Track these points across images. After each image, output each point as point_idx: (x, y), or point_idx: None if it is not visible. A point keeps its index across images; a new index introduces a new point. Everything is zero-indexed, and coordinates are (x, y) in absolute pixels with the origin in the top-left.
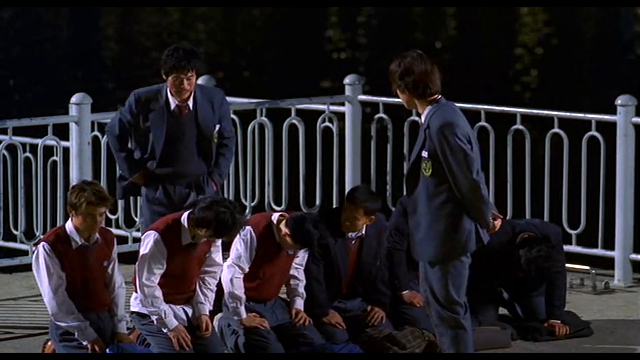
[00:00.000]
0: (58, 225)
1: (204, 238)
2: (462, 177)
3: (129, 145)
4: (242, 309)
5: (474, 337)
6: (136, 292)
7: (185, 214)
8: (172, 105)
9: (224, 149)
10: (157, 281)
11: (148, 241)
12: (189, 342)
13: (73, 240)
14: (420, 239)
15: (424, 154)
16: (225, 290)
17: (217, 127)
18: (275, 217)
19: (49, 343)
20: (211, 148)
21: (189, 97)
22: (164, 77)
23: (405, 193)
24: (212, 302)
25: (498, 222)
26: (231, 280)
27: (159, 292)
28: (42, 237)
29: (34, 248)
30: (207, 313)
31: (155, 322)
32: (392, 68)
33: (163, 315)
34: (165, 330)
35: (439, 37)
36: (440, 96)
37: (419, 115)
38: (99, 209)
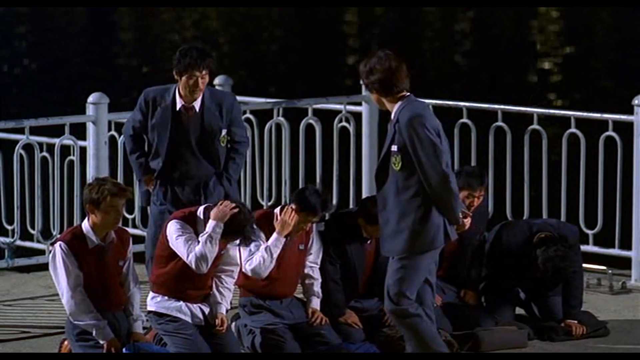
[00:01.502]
0: (75, 224)
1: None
2: (431, 169)
3: (144, 146)
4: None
5: (493, 337)
6: (153, 291)
7: (202, 208)
8: (178, 106)
9: (234, 153)
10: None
11: (171, 229)
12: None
13: (89, 240)
14: (388, 233)
15: (394, 148)
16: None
17: (224, 131)
18: (277, 210)
19: (66, 342)
20: (217, 151)
21: (194, 100)
22: (177, 77)
23: (376, 189)
24: (229, 301)
25: (468, 221)
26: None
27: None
28: (58, 237)
29: (50, 248)
30: (224, 312)
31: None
32: (360, 68)
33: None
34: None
35: (454, 37)
36: (409, 94)
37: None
38: (121, 200)
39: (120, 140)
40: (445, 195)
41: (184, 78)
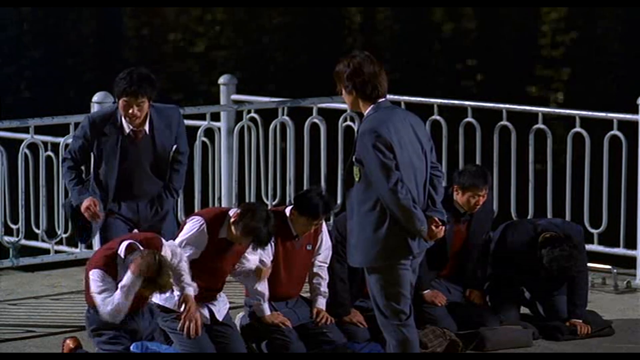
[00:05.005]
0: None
1: (238, 242)
2: (379, 185)
3: (81, 170)
4: (266, 306)
5: (498, 337)
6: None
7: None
8: (127, 130)
9: (177, 164)
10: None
11: (193, 227)
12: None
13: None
14: (352, 244)
15: (354, 159)
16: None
17: (174, 147)
18: (288, 209)
19: (67, 341)
20: (167, 168)
21: (142, 123)
22: (115, 98)
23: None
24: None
25: (440, 230)
26: None
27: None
28: (91, 260)
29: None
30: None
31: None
32: (340, 69)
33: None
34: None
35: (459, 36)
36: (383, 99)
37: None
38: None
39: None
40: (397, 211)
41: (120, 101)
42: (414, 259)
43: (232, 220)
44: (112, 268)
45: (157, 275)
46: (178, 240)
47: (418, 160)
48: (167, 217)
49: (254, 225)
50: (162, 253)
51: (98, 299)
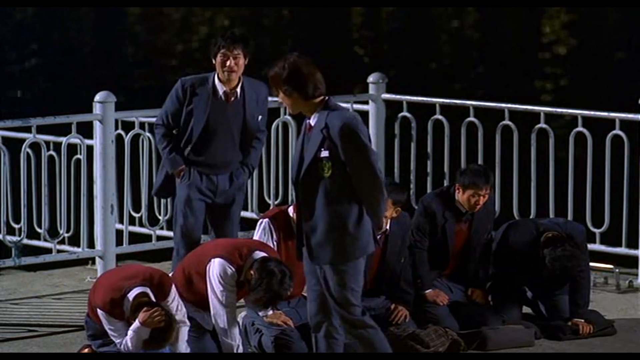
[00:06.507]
0: (81, 223)
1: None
2: (367, 176)
3: (174, 137)
4: None
5: (501, 336)
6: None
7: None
8: (220, 92)
9: (256, 142)
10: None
11: (220, 270)
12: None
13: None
14: (317, 242)
15: (324, 154)
16: None
17: (260, 118)
18: (290, 209)
19: (86, 350)
20: (251, 139)
21: (236, 85)
22: (213, 60)
23: (296, 198)
24: None
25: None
26: None
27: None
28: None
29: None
30: None
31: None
32: (276, 72)
33: None
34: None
35: (462, 35)
36: (327, 97)
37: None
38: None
39: (127, 138)
40: (379, 201)
41: (218, 58)
42: None
43: (247, 279)
44: (118, 310)
45: (162, 340)
46: (222, 299)
47: None
48: (240, 190)
49: (267, 298)
50: (171, 297)
51: (111, 335)
